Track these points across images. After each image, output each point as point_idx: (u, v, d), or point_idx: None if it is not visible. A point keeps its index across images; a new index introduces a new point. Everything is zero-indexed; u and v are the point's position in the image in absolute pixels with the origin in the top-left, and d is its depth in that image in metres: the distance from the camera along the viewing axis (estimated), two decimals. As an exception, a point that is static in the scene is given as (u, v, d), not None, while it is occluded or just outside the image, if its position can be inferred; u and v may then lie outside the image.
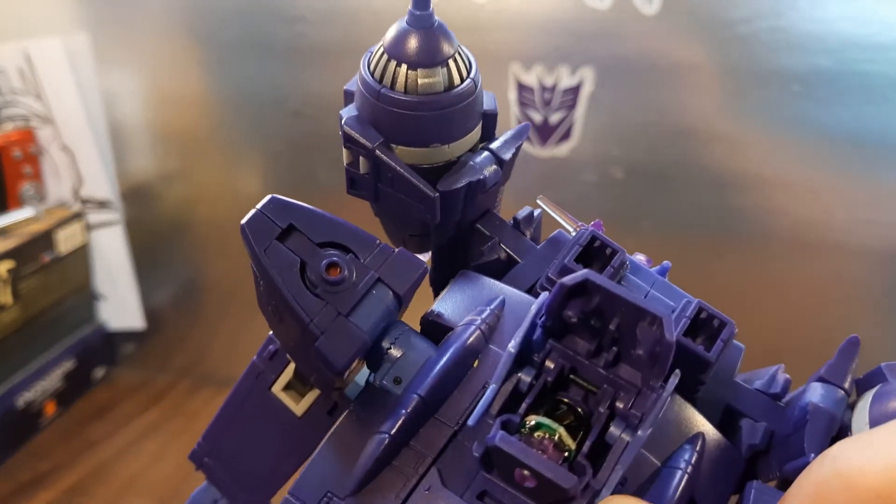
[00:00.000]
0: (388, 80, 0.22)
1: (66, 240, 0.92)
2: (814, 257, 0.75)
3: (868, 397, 0.21)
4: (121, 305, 0.99)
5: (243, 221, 0.20)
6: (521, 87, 0.77)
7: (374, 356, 0.21)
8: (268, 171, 0.89)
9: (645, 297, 0.23)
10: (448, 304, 0.23)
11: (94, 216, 0.95)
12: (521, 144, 0.25)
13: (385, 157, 0.22)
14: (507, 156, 0.24)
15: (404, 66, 0.21)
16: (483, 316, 0.21)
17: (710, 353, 0.20)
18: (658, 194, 0.78)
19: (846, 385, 0.22)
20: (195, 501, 0.29)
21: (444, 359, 0.19)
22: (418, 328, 0.23)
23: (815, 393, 0.22)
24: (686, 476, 0.19)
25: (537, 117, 0.77)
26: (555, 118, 0.77)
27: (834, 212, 0.75)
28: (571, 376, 0.19)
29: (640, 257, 0.25)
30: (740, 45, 0.72)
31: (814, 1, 0.70)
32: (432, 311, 0.23)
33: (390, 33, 0.22)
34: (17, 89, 0.91)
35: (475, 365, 0.20)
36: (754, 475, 0.22)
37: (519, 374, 0.18)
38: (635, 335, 0.17)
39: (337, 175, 0.24)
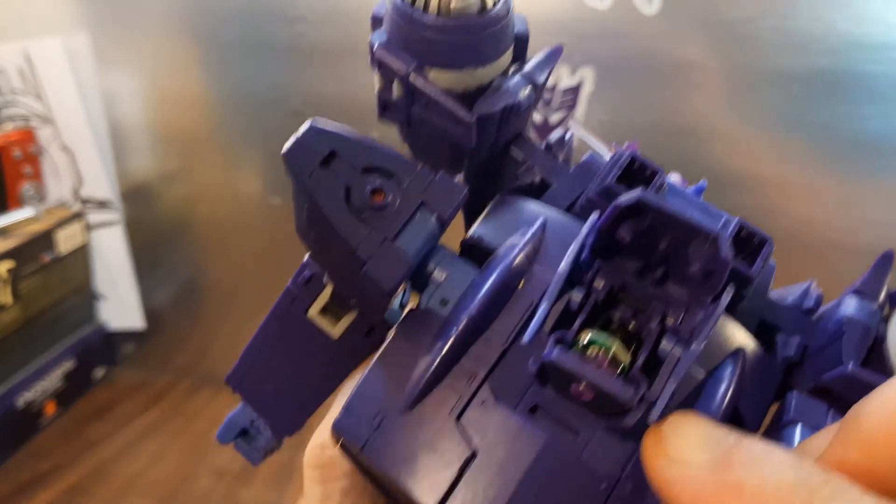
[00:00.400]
0: (420, 2, 0.22)
1: (66, 240, 0.92)
2: (814, 257, 0.75)
3: None
4: (121, 305, 0.99)
5: (285, 150, 0.20)
6: (521, 87, 0.77)
7: (420, 279, 0.21)
8: (268, 171, 0.89)
9: None
10: (488, 228, 0.23)
11: (94, 216, 0.95)
12: (553, 67, 0.24)
13: (420, 83, 0.22)
14: (541, 79, 0.24)
15: None
16: (526, 237, 0.21)
17: (752, 269, 0.21)
18: (658, 194, 0.78)
19: (880, 298, 0.23)
20: (232, 422, 0.28)
21: (492, 280, 0.19)
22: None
23: (850, 306, 0.22)
24: (731, 387, 0.19)
25: (537, 117, 0.77)
26: (555, 118, 0.77)
27: (834, 212, 0.75)
28: (620, 295, 0.19)
29: (675, 177, 0.25)
30: (740, 45, 0.72)
31: (814, 1, 0.70)
32: (473, 235, 0.23)
33: None
34: (17, 89, 0.91)
35: (520, 286, 0.20)
36: (789, 387, 0.22)
37: (569, 294, 0.18)
38: (685, 254, 0.17)
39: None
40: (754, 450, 0.15)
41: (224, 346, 0.98)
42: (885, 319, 0.22)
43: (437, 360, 0.19)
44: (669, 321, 0.18)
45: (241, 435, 0.29)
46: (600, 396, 0.17)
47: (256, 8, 0.82)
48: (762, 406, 0.21)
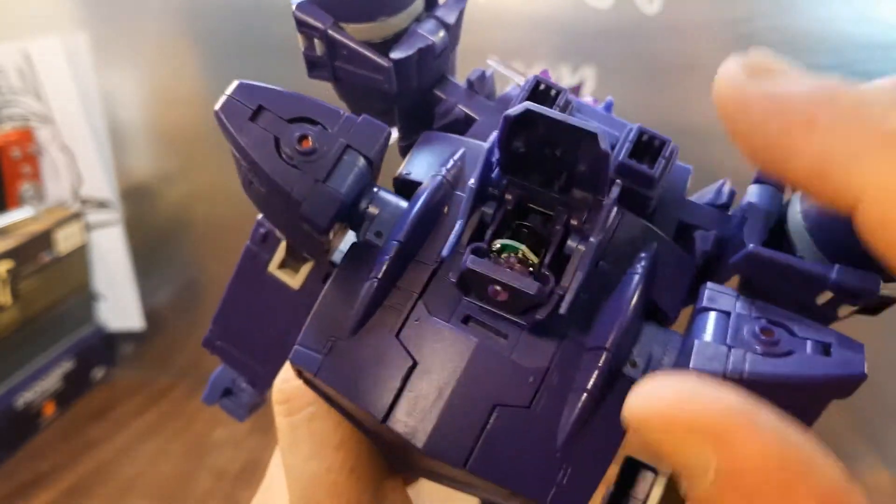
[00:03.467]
0: None
1: (66, 240, 0.92)
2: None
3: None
4: (120, 306, 0.99)
5: (217, 107, 0.21)
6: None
7: (355, 217, 0.23)
8: (267, 170, 0.89)
9: None
10: (415, 163, 0.25)
11: (94, 216, 0.95)
12: (464, 7, 0.27)
13: (338, 36, 0.24)
14: (452, 19, 0.26)
15: None
16: (447, 167, 0.23)
17: (653, 169, 0.22)
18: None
19: (779, 183, 0.24)
20: (216, 381, 0.31)
21: (416, 208, 0.21)
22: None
23: (752, 194, 0.24)
24: (642, 278, 0.21)
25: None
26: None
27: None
28: (530, 205, 0.21)
29: (587, 98, 0.27)
30: (741, 44, 0.72)
31: (814, 1, 0.70)
32: (402, 172, 0.25)
33: None
34: (17, 89, 0.90)
35: (446, 212, 0.22)
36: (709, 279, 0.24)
37: (482, 209, 0.20)
38: (576, 156, 0.19)
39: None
40: None
41: (224, 347, 0.98)
42: (787, 203, 0.23)
43: (374, 285, 0.20)
44: (574, 222, 0.20)
45: (225, 395, 0.31)
46: (513, 294, 0.19)
47: (256, 7, 0.82)
48: (678, 298, 0.23)
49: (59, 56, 0.87)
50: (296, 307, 0.27)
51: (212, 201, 0.93)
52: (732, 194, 0.26)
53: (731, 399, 0.13)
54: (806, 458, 0.13)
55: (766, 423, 0.13)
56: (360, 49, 0.24)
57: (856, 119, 0.14)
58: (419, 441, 0.19)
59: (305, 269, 0.27)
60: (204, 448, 0.85)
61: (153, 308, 1.00)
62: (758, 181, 0.25)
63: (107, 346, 1.00)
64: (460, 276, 0.19)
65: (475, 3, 0.74)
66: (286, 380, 0.24)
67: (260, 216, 0.28)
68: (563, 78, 0.76)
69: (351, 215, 0.22)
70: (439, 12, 0.26)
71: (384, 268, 0.21)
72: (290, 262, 0.28)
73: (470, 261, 0.19)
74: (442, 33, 0.25)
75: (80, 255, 0.95)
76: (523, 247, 0.20)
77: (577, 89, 0.75)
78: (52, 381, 0.90)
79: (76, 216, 0.93)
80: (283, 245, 0.28)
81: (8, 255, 0.83)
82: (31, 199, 0.92)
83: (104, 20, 0.87)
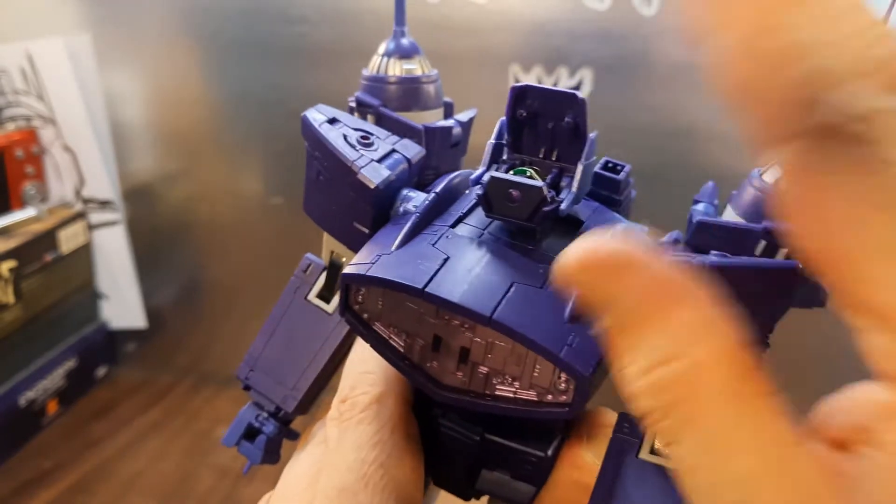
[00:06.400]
0: (383, 70, 0.33)
1: (68, 239, 0.92)
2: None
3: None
4: (123, 305, 1.00)
5: (304, 114, 0.29)
6: (521, 88, 0.77)
7: (392, 205, 0.29)
8: (268, 171, 0.90)
9: None
10: (441, 185, 0.31)
11: (96, 216, 0.95)
12: (473, 119, 0.35)
13: (386, 112, 0.32)
14: (465, 119, 0.34)
15: (394, 59, 0.33)
16: (466, 172, 0.30)
17: (618, 175, 0.30)
18: (658, 194, 0.79)
19: (714, 201, 0.31)
20: (241, 418, 0.34)
21: (450, 176, 0.29)
22: None
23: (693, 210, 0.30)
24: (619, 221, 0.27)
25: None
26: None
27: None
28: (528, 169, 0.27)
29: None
30: (739, 45, 0.72)
31: (812, 1, 0.70)
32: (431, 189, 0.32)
33: (386, 44, 0.34)
34: (20, 89, 0.91)
35: (467, 192, 0.29)
36: None
37: (496, 167, 0.26)
38: (562, 116, 0.25)
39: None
40: None
41: (225, 346, 0.98)
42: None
43: (419, 216, 0.26)
44: (563, 175, 0.26)
45: (245, 435, 0.34)
46: (525, 193, 0.24)
47: (257, 8, 0.82)
48: None
49: (62, 57, 0.87)
50: (328, 327, 0.33)
51: (213, 201, 0.93)
52: (680, 236, 0.31)
53: (620, 243, 0.17)
54: (679, 284, 0.17)
55: (647, 256, 0.17)
56: (402, 118, 0.32)
57: None
58: (455, 296, 0.23)
59: (339, 295, 0.32)
60: (206, 446, 0.86)
61: (155, 307, 1.00)
62: (696, 202, 0.30)
63: (109, 344, 1.01)
64: (484, 190, 0.25)
65: (474, 6, 0.75)
66: (343, 399, 0.29)
67: (306, 255, 0.33)
68: (562, 79, 0.76)
69: (391, 209, 0.29)
70: (456, 115, 0.35)
71: (425, 206, 0.27)
72: (326, 295, 0.33)
73: (493, 170, 0.25)
74: (459, 128, 0.34)
75: (83, 255, 0.95)
76: (530, 170, 0.26)
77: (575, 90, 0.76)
78: (55, 379, 0.91)
79: (79, 216, 0.94)
80: (322, 277, 0.33)
81: (11, 254, 0.83)
82: (35, 199, 0.92)
83: (107, 21, 0.87)
